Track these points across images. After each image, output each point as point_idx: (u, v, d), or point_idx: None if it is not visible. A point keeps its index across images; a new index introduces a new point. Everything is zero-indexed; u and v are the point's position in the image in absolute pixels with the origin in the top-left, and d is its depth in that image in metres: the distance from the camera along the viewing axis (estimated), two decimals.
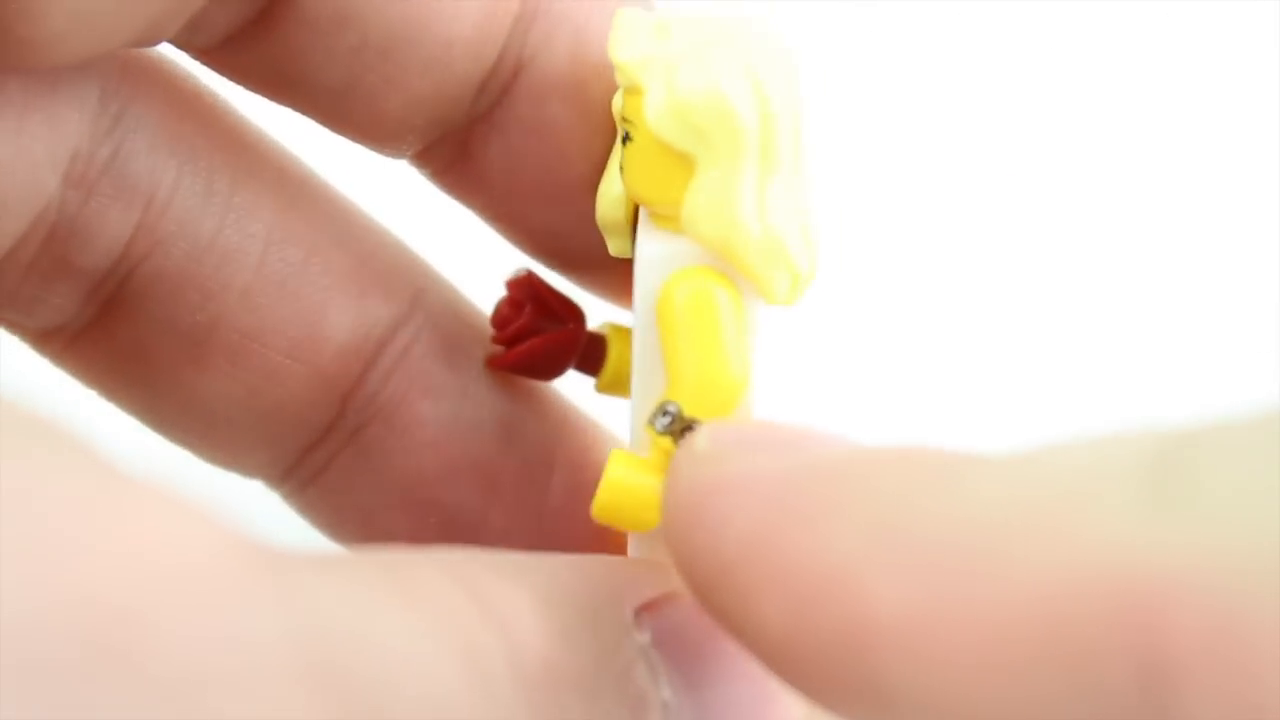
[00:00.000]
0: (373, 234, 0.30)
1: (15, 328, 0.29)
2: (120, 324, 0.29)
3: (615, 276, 0.29)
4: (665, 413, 0.24)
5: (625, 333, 0.29)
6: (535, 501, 0.30)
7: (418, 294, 0.30)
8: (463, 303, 0.31)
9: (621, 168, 0.25)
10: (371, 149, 0.29)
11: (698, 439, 0.22)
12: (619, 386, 0.29)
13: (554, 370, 0.29)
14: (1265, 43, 0.49)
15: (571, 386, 0.30)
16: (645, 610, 0.23)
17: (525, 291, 0.29)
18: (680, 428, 0.24)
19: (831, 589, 0.19)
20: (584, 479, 0.30)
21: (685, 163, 0.24)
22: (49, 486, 0.18)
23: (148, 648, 0.17)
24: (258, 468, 0.30)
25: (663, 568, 0.23)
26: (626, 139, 0.25)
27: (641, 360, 0.25)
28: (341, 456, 0.30)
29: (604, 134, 0.27)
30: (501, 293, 0.30)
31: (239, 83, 0.28)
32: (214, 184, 0.28)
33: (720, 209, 0.24)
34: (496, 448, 0.30)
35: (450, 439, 0.30)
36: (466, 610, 0.20)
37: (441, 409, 0.30)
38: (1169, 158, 0.48)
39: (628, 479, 0.25)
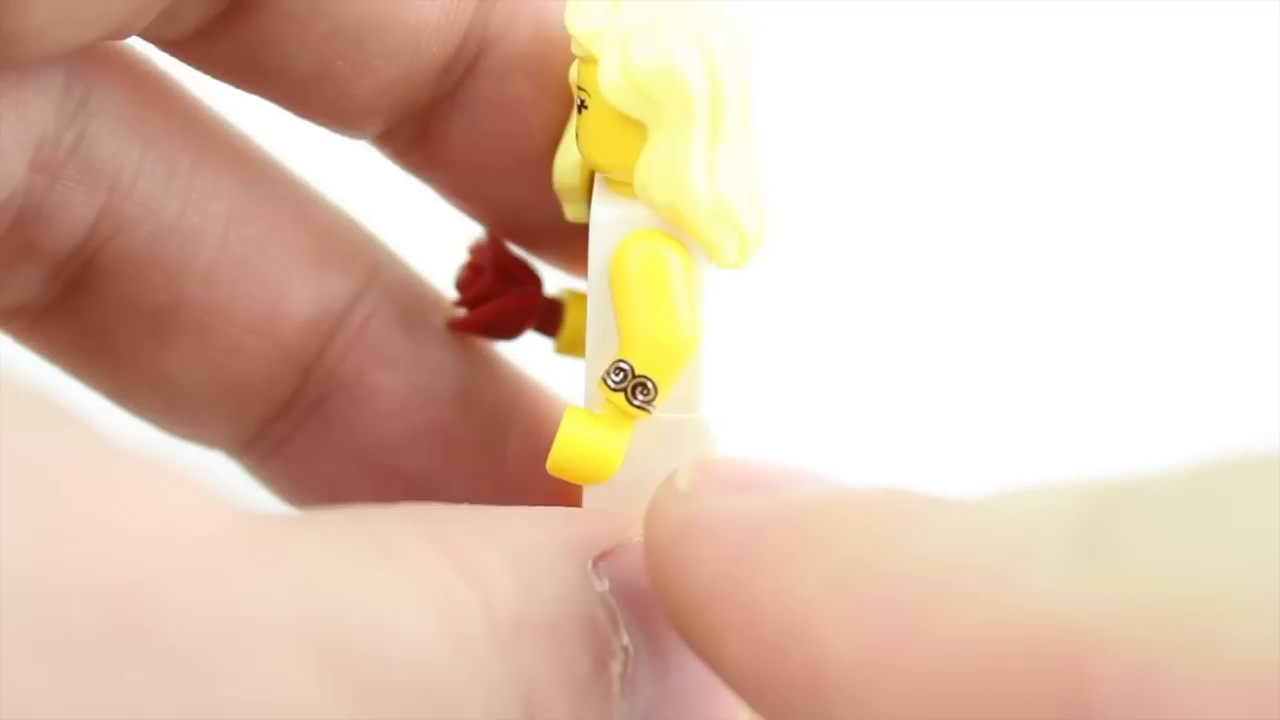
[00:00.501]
0: (329, 213, 0.31)
1: None
2: (85, 304, 0.29)
3: (571, 246, 0.29)
4: (618, 370, 0.25)
5: (582, 298, 0.30)
6: (493, 466, 0.31)
7: (374, 269, 0.30)
8: (417, 277, 0.31)
9: (578, 135, 0.26)
10: (336, 132, 0.29)
11: (678, 478, 0.23)
12: (576, 348, 0.29)
13: (513, 331, 0.30)
14: (1265, 44, 0.49)
15: (525, 354, 0.31)
16: (602, 559, 0.23)
17: (486, 256, 0.30)
18: (631, 384, 0.25)
19: (790, 634, 0.19)
20: (538, 443, 0.31)
21: (638, 130, 0.25)
22: (63, 462, 0.18)
23: (164, 620, 0.18)
24: (221, 440, 0.31)
25: (617, 518, 0.24)
26: (583, 107, 0.25)
27: (595, 320, 0.26)
28: (303, 428, 0.30)
29: (564, 108, 0.28)
30: (456, 266, 0.31)
31: (208, 73, 0.28)
32: (175, 167, 0.29)
33: (671, 174, 0.25)
34: (454, 415, 0.31)
35: (409, 408, 0.30)
36: (442, 568, 0.21)
37: (399, 379, 0.30)
38: (1166, 159, 0.48)
39: (581, 434, 0.25)
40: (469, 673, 0.21)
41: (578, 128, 0.26)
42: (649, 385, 0.25)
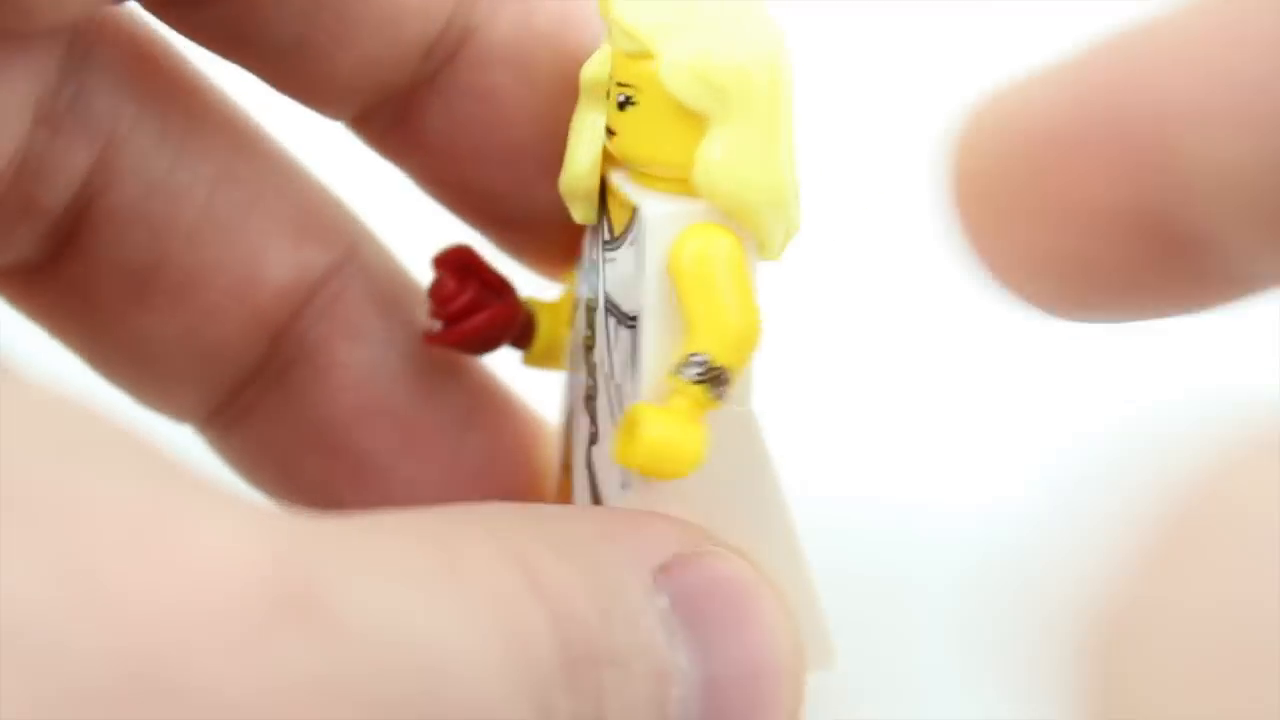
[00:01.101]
0: (313, 187, 0.31)
1: None
2: (73, 261, 0.29)
3: (546, 241, 0.30)
4: (695, 363, 0.25)
5: (551, 308, 0.30)
6: (448, 456, 0.31)
7: (352, 246, 0.31)
8: (394, 261, 0.31)
9: (610, 132, 0.26)
10: (313, 109, 0.29)
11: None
12: (549, 359, 0.30)
13: (493, 345, 0.30)
14: None
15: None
16: (664, 572, 0.23)
17: (462, 266, 0.30)
18: (712, 376, 0.25)
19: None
20: (498, 440, 0.31)
21: (696, 123, 0.25)
22: (98, 496, 0.18)
23: (190, 686, 0.18)
24: (188, 409, 0.31)
25: (678, 524, 0.24)
26: (626, 103, 0.26)
27: (654, 315, 0.26)
28: (266, 398, 0.30)
29: (547, 101, 0.28)
30: (427, 257, 0.30)
31: (192, 38, 0.28)
32: (169, 125, 0.29)
33: (737, 165, 0.25)
34: (414, 400, 0.31)
35: (368, 384, 0.30)
36: (518, 593, 0.21)
37: (362, 354, 0.30)
38: None
39: (666, 431, 0.25)
40: (533, 709, 0.20)
41: (613, 125, 0.26)
42: (725, 375, 0.25)
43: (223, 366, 0.30)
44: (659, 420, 0.25)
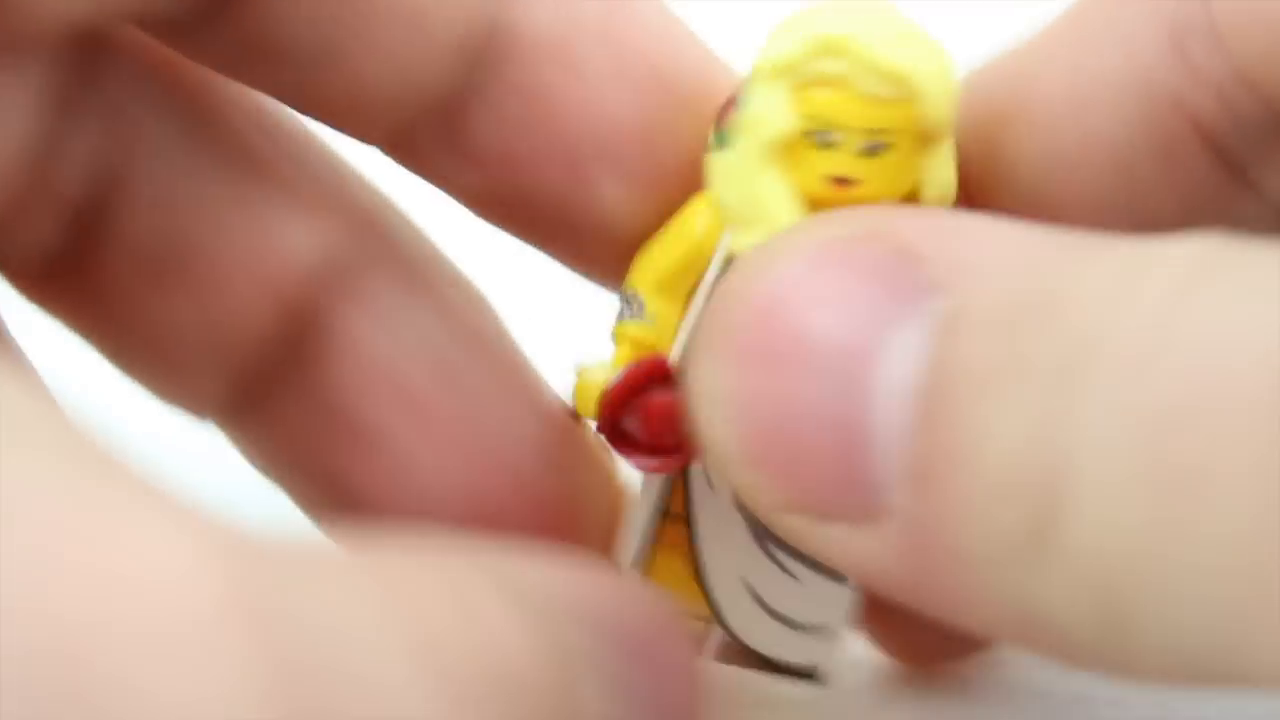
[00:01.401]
0: (338, 166, 0.30)
1: None
2: (91, 252, 0.28)
3: (609, 244, 0.28)
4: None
5: None
6: (466, 444, 0.30)
7: (378, 225, 0.30)
8: (422, 238, 0.30)
9: (845, 181, 0.25)
10: (350, 131, 0.28)
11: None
12: None
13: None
14: None
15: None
16: (596, 614, 0.23)
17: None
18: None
19: None
20: (521, 432, 0.30)
21: (926, 148, 0.25)
22: (25, 495, 0.17)
23: (123, 697, 0.17)
24: (208, 400, 0.30)
25: (610, 569, 0.24)
26: (877, 149, 0.25)
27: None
28: (288, 384, 0.30)
29: (600, 96, 0.27)
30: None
31: (209, 62, 0.27)
32: (191, 105, 0.28)
33: (950, 179, 0.25)
34: (435, 384, 0.30)
35: (388, 367, 0.29)
36: (464, 639, 0.20)
37: (383, 336, 0.29)
38: None
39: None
40: None
41: (854, 173, 0.25)
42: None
43: (243, 352, 0.29)
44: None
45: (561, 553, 0.24)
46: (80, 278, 0.29)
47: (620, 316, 0.27)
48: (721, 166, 0.26)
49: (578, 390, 0.27)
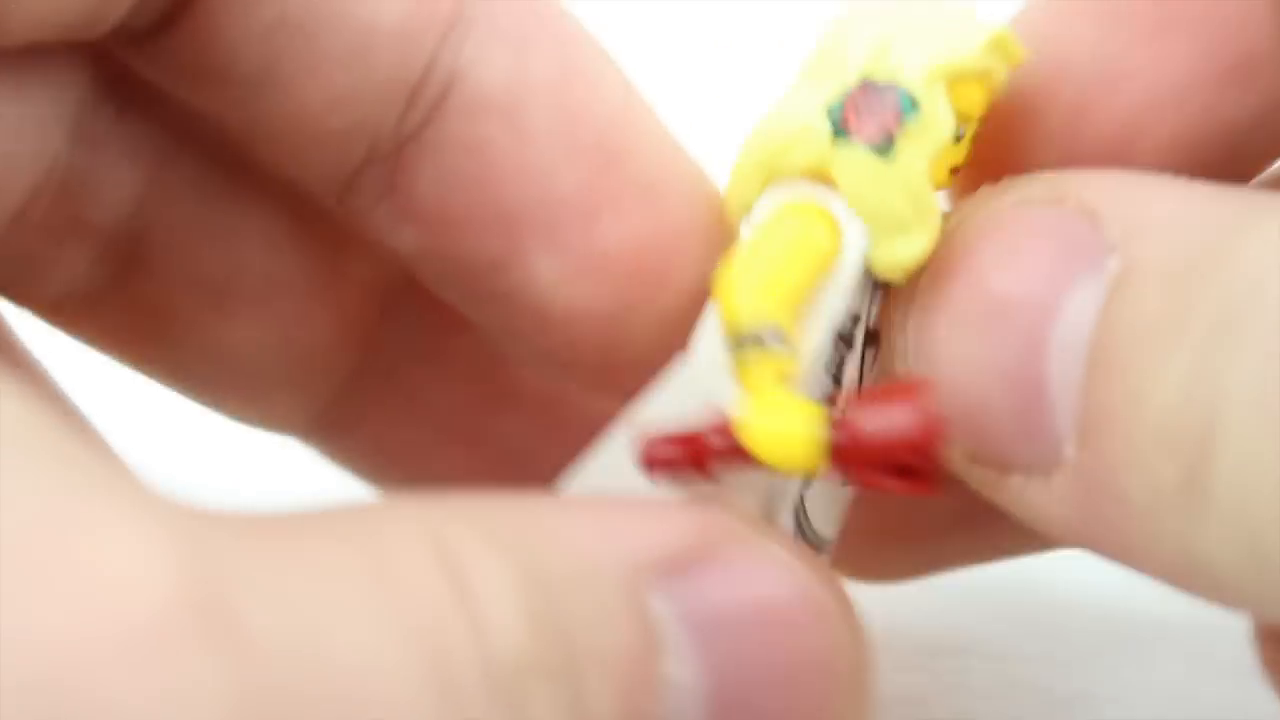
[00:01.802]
0: None
1: (27, 300, 0.28)
2: (139, 281, 0.28)
3: (542, 326, 0.27)
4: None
5: None
6: (580, 426, 0.27)
7: None
8: None
9: (962, 167, 0.25)
10: (292, 171, 0.27)
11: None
12: None
13: None
14: None
15: None
16: (677, 573, 0.21)
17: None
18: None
19: None
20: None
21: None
22: None
23: (92, 703, 0.17)
24: (289, 419, 0.30)
25: (703, 517, 0.22)
26: (960, 137, 0.25)
27: None
28: (378, 400, 0.29)
29: (542, 159, 0.26)
30: None
31: (157, 77, 0.27)
32: (223, 132, 0.28)
33: None
34: (526, 375, 0.29)
35: (484, 369, 0.29)
36: (440, 598, 0.19)
37: (467, 340, 0.29)
38: None
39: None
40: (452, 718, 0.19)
41: (957, 161, 0.25)
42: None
43: (319, 371, 0.29)
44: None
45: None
46: (131, 308, 0.28)
47: (756, 352, 0.23)
48: (885, 175, 0.24)
49: (770, 440, 0.23)
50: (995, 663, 0.32)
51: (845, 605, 0.23)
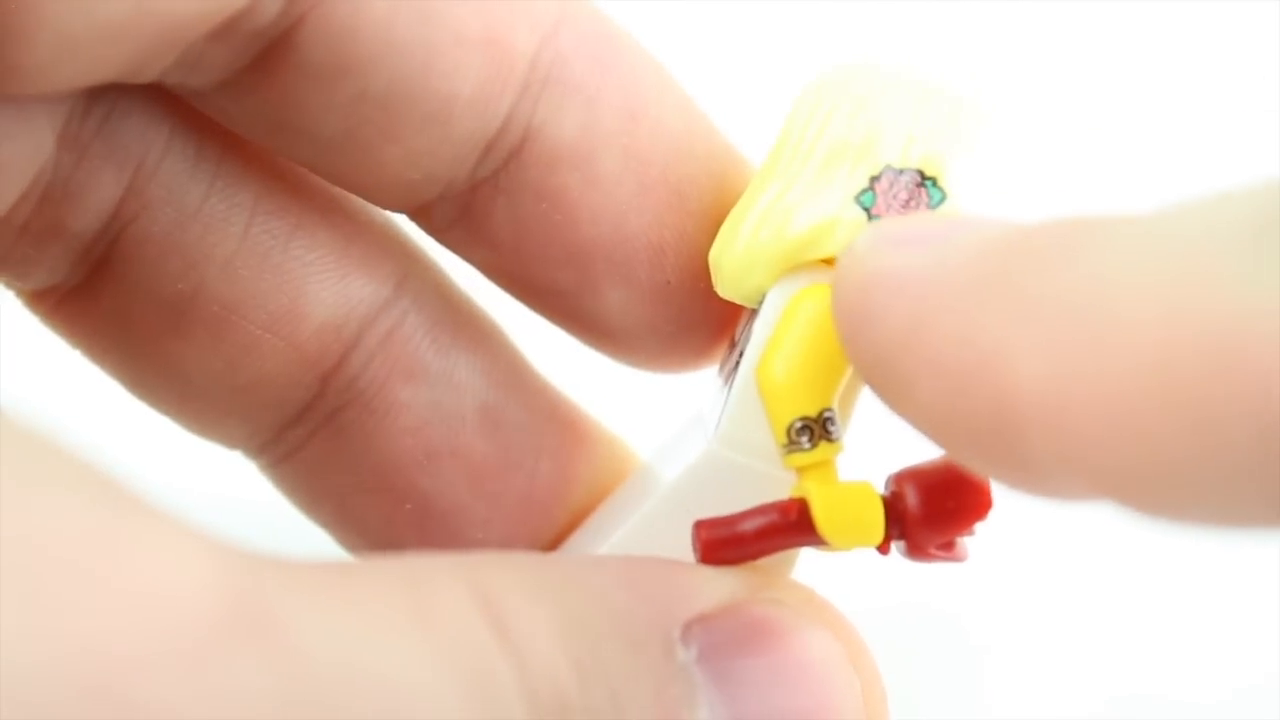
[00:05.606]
0: (360, 212, 0.30)
1: (10, 287, 0.29)
2: (106, 288, 0.29)
3: (611, 344, 0.29)
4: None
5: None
6: (519, 490, 0.30)
7: (404, 276, 0.30)
8: (451, 286, 0.30)
9: None
10: (368, 200, 0.29)
11: (857, 243, 0.23)
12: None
13: None
14: (1265, 43, 0.49)
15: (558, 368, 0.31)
16: (697, 624, 0.23)
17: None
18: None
19: (978, 370, 0.20)
20: (570, 466, 0.30)
21: None
22: (46, 523, 0.18)
23: (143, 702, 0.18)
24: (236, 440, 0.30)
25: (723, 576, 0.23)
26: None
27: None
28: (318, 437, 0.30)
29: (614, 202, 0.28)
30: None
31: (234, 127, 0.28)
32: (204, 150, 0.28)
33: None
34: (479, 436, 0.30)
35: (431, 426, 0.29)
36: (482, 636, 0.20)
37: (421, 395, 0.30)
38: (1176, 160, 0.48)
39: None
40: None
41: None
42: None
43: (267, 403, 0.29)
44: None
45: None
46: (98, 312, 0.29)
47: (813, 440, 0.25)
48: None
49: (846, 528, 0.25)
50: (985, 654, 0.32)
51: (865, 658, 0.24)
